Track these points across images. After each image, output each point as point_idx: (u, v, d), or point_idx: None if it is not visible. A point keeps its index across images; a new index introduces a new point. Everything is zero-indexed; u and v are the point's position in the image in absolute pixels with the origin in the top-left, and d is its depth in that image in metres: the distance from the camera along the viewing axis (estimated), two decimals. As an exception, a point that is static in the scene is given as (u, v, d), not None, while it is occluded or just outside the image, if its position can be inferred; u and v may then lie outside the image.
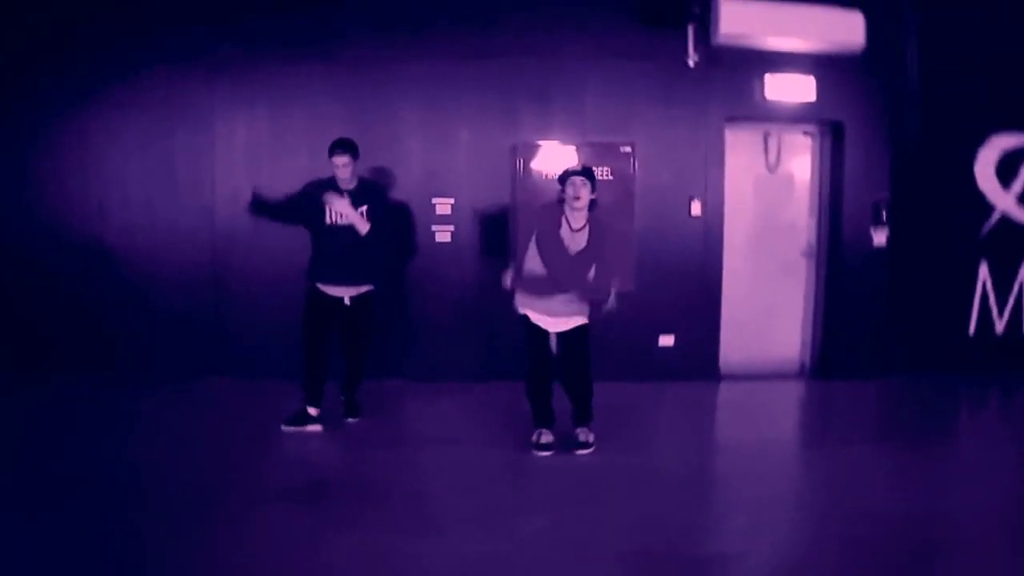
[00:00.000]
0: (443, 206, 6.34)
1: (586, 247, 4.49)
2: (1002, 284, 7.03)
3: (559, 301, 4.52)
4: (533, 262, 4.54)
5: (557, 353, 4.65)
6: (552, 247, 4.46)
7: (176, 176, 6.41)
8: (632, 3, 6.34)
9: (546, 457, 4.58)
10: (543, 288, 4.49)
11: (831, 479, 4.44)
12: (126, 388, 6.05)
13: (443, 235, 6.35)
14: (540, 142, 6.28)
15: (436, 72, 6.31)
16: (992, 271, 7.00)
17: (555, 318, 4.56)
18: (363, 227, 4.92)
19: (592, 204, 4.50)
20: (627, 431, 5.18)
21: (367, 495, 4.03)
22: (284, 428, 4.98)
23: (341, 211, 4.88)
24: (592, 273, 4.51)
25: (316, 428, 5.04)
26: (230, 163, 6.39)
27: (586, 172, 4.49)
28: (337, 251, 4.97)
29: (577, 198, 4.39)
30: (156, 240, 6.43)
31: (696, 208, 6.40)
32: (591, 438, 4.67)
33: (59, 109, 6.39)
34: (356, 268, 5.03)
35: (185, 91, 6.35)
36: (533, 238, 4.55)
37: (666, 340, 6.48)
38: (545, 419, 4.72)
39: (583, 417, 4.74)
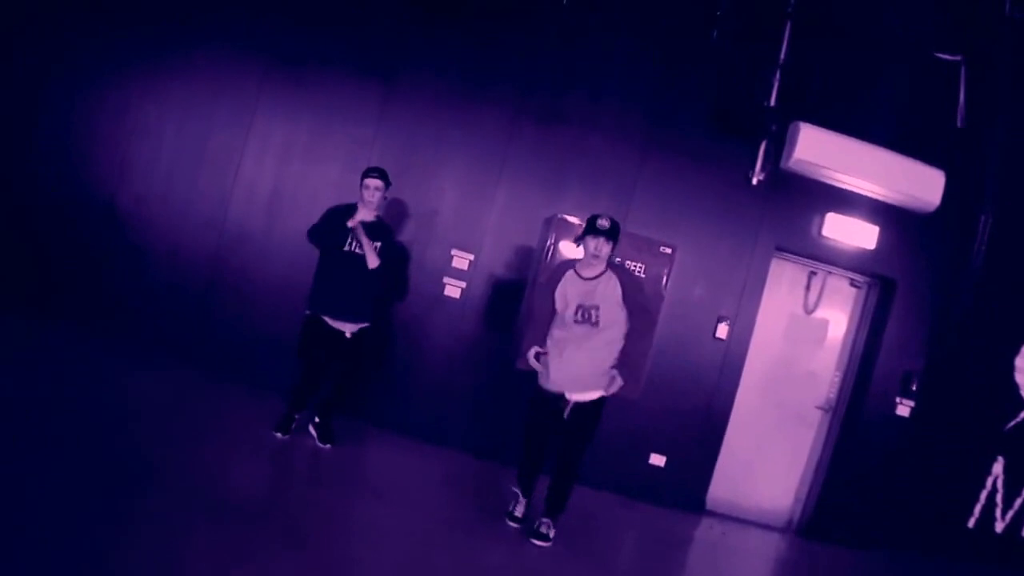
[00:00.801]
0: (461, 260, 6.05)
1: (603, 296, 4.44)
2: (1014, 483, 6.74)
3: (581, 369, 4.43)
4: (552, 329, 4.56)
5: (568, 421, 4.54)
6: (548, 302, 4.55)
7: (203, 157, 6.22)
8: (709, 106, 6.09)
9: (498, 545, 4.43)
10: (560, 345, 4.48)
11: None
12: (110, 351, 5.91)
13: (452, 290, 6.04)
14: (578, 220, 5.94)
15: (491, 126, 6.15)
16: (1007, 468, 6.70)
17: (571, 392, 4.48)
18: (373, 261, 4.99)
19: (613, 262, 4.54)
20: (594, 543, 4.99)
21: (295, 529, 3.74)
22: (279, 436, 5.10)
23: (361, 233, 4.95)
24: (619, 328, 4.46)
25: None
26: (259, 160, 6.08)
27: (612, 231, 4.43)
28: (346, 280, 5.00)
29: (597, 256, 4.42)
30: (167, 213, 6.21)
31: (722, 331, 6.09)
32: (552, 533, 4.56)
33: (109, 67, 6.23)
34: (359, 300, 5.06)
35: (234, 78, 6.19)
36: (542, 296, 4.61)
37: (657, 459, 6.15)
38: (528, 484, 4.76)
39: (556, 506, 4.63)
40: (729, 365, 6.18)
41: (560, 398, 4.47)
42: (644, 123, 6.18)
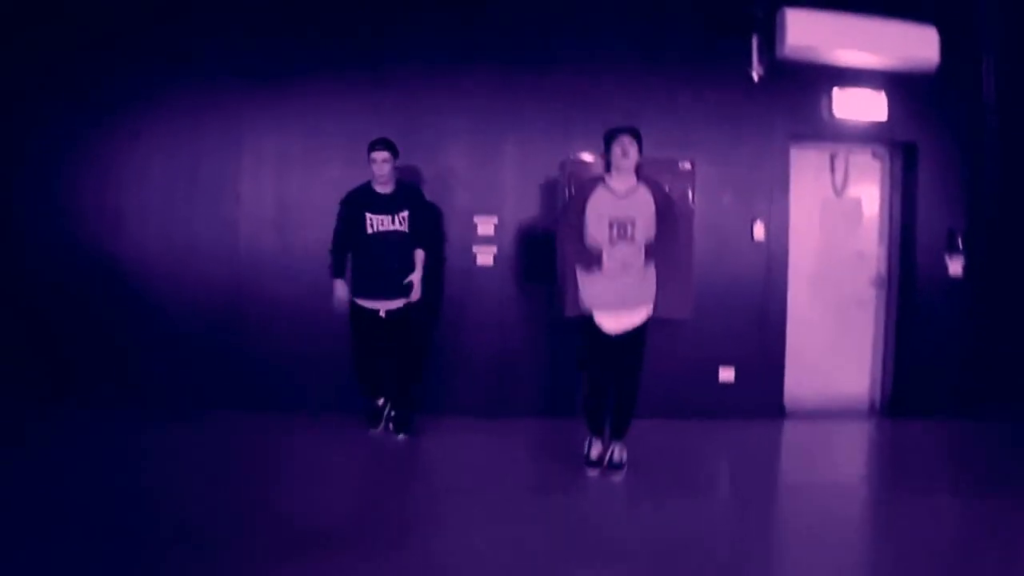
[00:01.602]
0: (485, 225, 6.14)
1: (638, 210, 4.41)
2: None
3: (627, 284, 4.39)
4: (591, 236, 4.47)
5: (616, 351, 4.55)
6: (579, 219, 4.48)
7: (198, 190, 6.24)
8: (695, 14, 6.21)
9: (593, 477, 4.60)
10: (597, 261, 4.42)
11: (896, 526, 4.19)
12: (140, 420, 5.80)
13: (485, 258, 6.09)
14: (591, 158, 6.00)
15: (484, 79, 6.21)
16: None
17: (619, 311, 4.43)
18: (416, 292, 5.24)
19: (638, 169, 4.46)
20: (685, 473, 4.98)
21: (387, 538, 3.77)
22: (372, 433, 5.32)
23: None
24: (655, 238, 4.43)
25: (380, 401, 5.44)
26: (256, 179, 6.13)
27: (633, 130, 4.43)
28: (377, 261, 5.09)
29: (626, 157, 4.36)
30: (174, 256, 6.21)
31: (759, 231, 6.21)
32: (624, 457, 4.67)
33: (85, 120, 6.22)
34: (394, 280, 5.10)
35: (216, 100, 6.22)
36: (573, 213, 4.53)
37: (726, 374, 6.22)
38: (599, 426, 4.74)
39: (621, 428, 4.69)
40: (774, 264, 6.28)
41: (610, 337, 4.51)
42: (639, 47, 6.27)
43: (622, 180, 4.41)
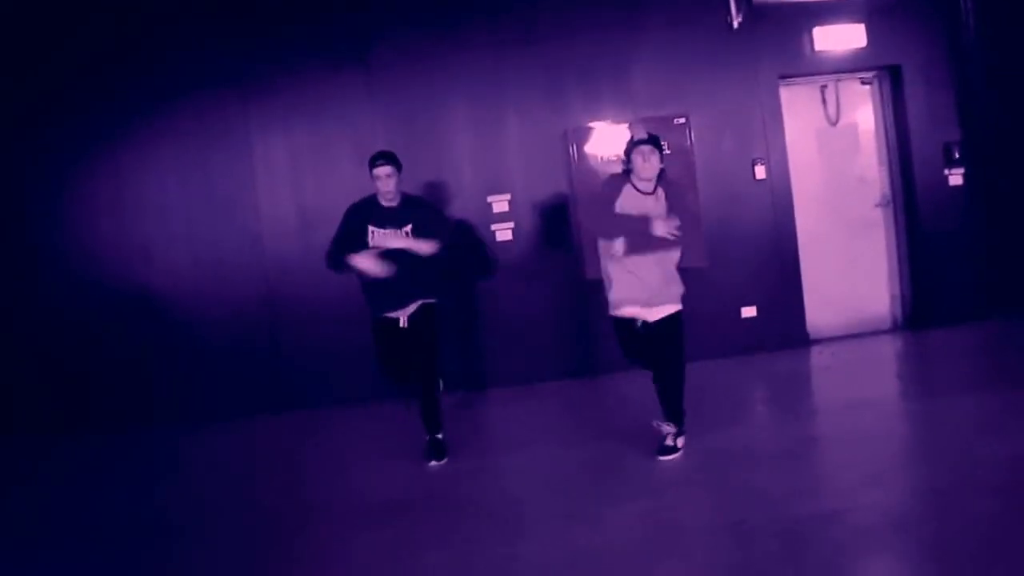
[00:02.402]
0: (500, 203, 6.60)
1: (656, 210, 4.48)
2: None
3: (656, 281, 4.48)
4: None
5: (650, 336, 4.61)
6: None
7: (218, 208, 6.70)
8: None
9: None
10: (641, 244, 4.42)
11: (936, 429, 4.63)
12: (182, 440, 6.25)
13: (504, 234, 6.54)
14: (591, 124, 6.45)
15: (477, 63, 6.67)
16: None
17: (650, 306, 4.53)
18: (428, 247, 4.87)
19: (660, 174, 4.55)
20: (720, 408, 5.36)
21: (453, 508, 4.20)
22: (432, 465, 4.94)
23: (398, 245, 4.85)
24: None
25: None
26: (273, 188, 6.59)
27: (653, 140, 4.52)
28: (397, 270, 4.86)
29: (647, 166, 4.45)
30: (204, 276, 6.68)
31: (760, 172, 6.66)
32: (680, 442, 4.60)
33: (91, 144, 6.67)
34: (406, 287, 4.94)
35: (220, 116, 6.68)
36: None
37: (748, 311, 6.70)
38: (679, 409, 4.65)
39: (675, 414, 4.65)
40: (779, 200, 6.72)
41: (633, 321, 4.58)
42: (621, 10, 6.68)
43: (646, 183, 4.53)
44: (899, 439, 4.65)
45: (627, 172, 4.58)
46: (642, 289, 4.47)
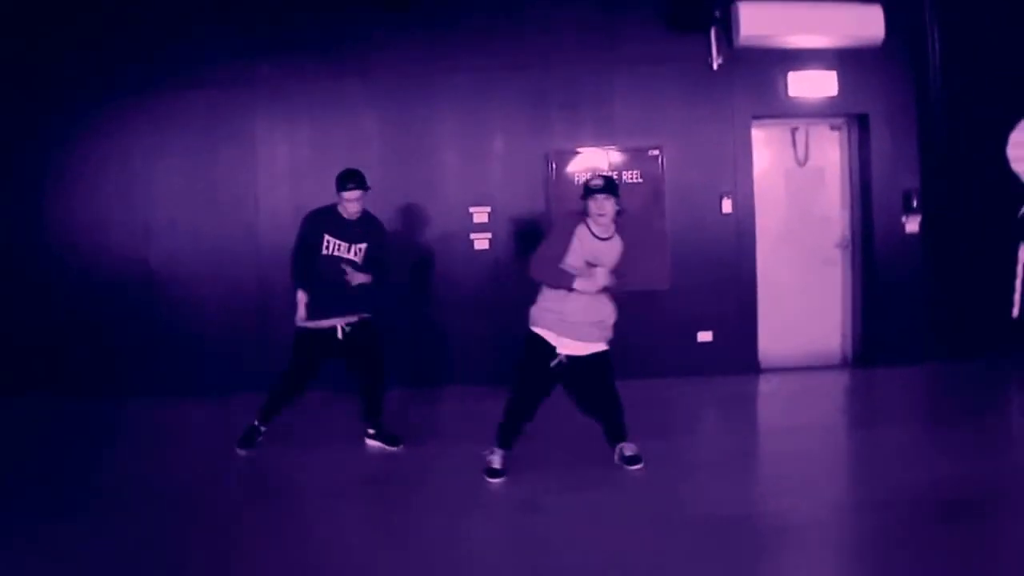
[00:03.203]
0: (480, 215, 7.20)
1: (609, 257, 4.73)
2: None
3: (588, 324, 4.71)
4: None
5: (575, 378, 4.84)
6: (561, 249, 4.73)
7: (218, 197, 7.35)
8: (656, 11, 7.29)
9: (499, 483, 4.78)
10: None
11: (859, 454, 5.42)
12: (174, 409, 6.92)
13: (481, 243, 7.12)
14: (572, 149, 7.03)
15: (469, 85, 7.33)
16: None
17: (577, 342, 4.74)
18: (361, 278, 5.29)
19: (619, 213, 4.75)
20: (666, 422, 5.98)
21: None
22: (240, 451, 5.40)
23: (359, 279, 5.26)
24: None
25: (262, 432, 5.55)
26: (272, 184, 7.18)
27: (608, 187, 4.69)
28: (333, 280, 5.26)
29: (602, 214, 4.66)
30: (202, 261, 7.34)
31: (727, 205, 7.22)
32: (637, 452, 4.89)
33: (101, 133, 7.35)
34: (349, 297, 5.31)
35: (226, 112, 7.35)
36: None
37: (704, 336, 7.25)
38: (514, 439, 4.90)
39: (619, 433, 4.95)
40: (743, 233, 7.32)
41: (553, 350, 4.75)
42: (607, 46, 7.32)
43: (603, 229, 4.72)
44: (823, 460, 5.26)
45: (584, 218, 4.72)
46: (570, 325, 4.66)
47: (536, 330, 4.79)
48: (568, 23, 7.26)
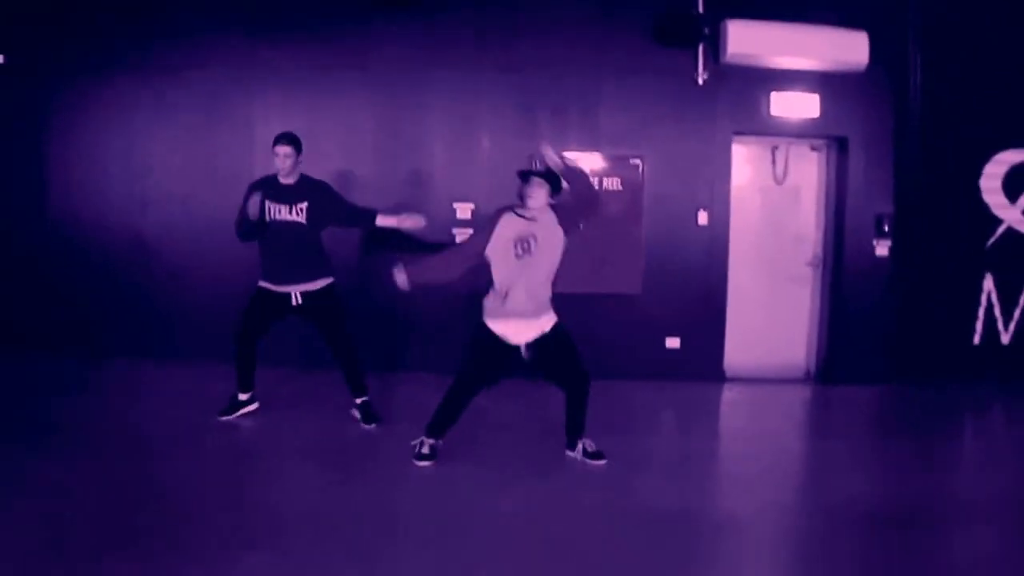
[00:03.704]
0: (464, 211, 7.49)
1: (540, 226, 4.91)
2: (1008, 296, 8.07)
3: (531, 301, 4.94)
4: (497, 271, 4.98)
5: (536, 361, 5.05)
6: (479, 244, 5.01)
7: (213, 173, 7.65)
8: (646, 24, 7.62)
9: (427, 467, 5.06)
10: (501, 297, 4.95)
11: (805, 462, 5.88)
12: (156, 371, 7.36)
13: (463, 238, 7.36)
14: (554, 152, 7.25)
15: (461, 83, 7.64)
16: (997, 283, 7.99)
17: (521, 325, 4.98)
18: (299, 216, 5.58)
19: (554, 208, 4.98)
20: (627, 422, 6.34)
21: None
22: (221, 418, 5.80)
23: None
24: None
25: (252, 407, 5.94)
26: (267, 165, 7.36)
27: (547, 176, 4.93)
28: (281, 248, 5.57)
29: (530, 197, 4.90)
30: (196, 234, 7.66)
31: (703, 218, 7.52)
32: (596, 447, 5.23)
33: (107, 108, 7.69)
34: (301, 264, 5.60)
35: (226, 93, 7.69)
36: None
37: (672, 342, 7.58)
38: (447, 428, 5.14)
39: (580, 425, 5.21)
40: (716, 245, 7.65)
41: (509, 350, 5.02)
42: (595, 55, 7.64)
43: (530, 211, 4.95)
44: (772, 466, 5.55)
45: (512, 206, 5.02)
46: (514, 313, 4.92)
47: (486, 320, 5.06)
48: (561, 31, 7.57)
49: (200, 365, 7.30)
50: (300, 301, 5.63)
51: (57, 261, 7.71)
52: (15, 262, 7.73)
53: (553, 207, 5.01)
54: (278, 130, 7.63)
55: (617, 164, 7.41)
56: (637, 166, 7.40)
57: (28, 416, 5.72)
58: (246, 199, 5.56)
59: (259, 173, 7.59)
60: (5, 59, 7.66)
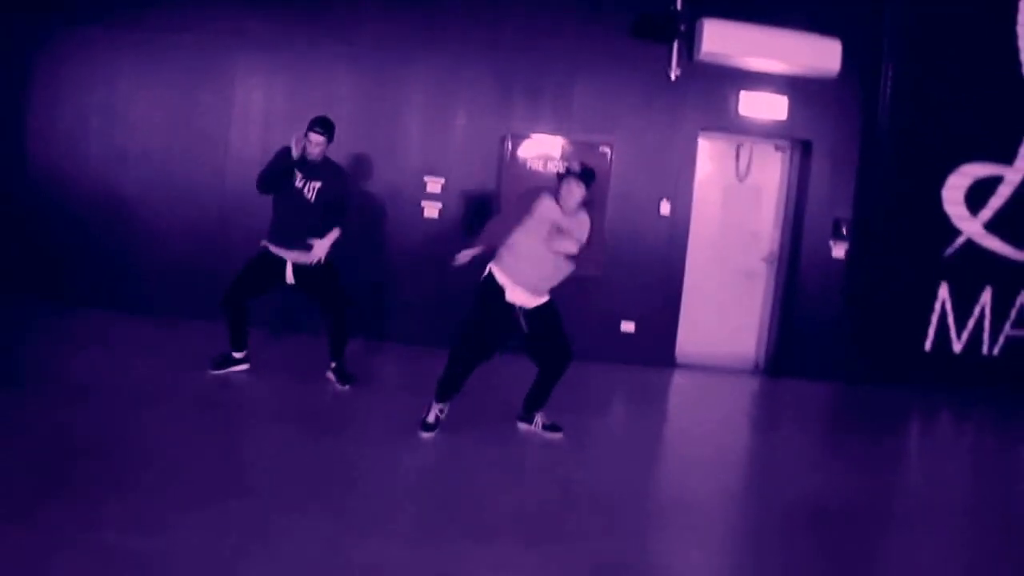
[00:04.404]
0: (434, 184, 7.92)
1: (574, 225, 5.34)
2: (962, 306, 8.42)
3: (539, 278, 5.38)
4: (524, 240, 5.36)
5: (529, 329, 5.49)
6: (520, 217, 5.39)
7: (193, 135, 8.04)
8: (624, 17, 7.93)
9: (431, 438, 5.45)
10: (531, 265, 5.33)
11: (753, 453, 6.31)
12: (125, 324, 7.66)
13: (431, 211, 7.86)
14: (528, 134, 7.66)
15: (440, 60, 8.02)
16: (952, 292, 8.31)
17: (525, 295, 5.41)
18: (322, 248, 5.99)
19: (586, 204, 5.39)
20: (579, 402, 6.65)
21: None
22: (212, 372, 6.23)
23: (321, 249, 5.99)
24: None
25: (244, 367, 6.34)
26: (245, 129, 7.88)
27: (584, 175, 5.29)
28: (294, 213, 5.97)
29: (570, 197, 5.28)
30: (171, 193, 8.04)
31: (665, 208, 7.90)
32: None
33: (91, 62, 8.00)
34: (303, 235, 5.98)
35: (210, 56, 8.01)
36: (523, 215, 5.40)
37: (627, 326, 8.01)
38: (451, 393, 5.49)
39: (543, 399, 5.71)
40: (676, 236, 8.05)
41: (514, 308, 5.42)
42: (574, 40, 8.03)
43: (570, 207, 5.33)
44: (715, 450, 5.99)
45: (552, 191, 5.37)
46: (528, 281, 5.33)
47: (493, 269, 5.43)
48: (543, 17, 7.92)
49: (172, 321, 7.74)
50: (292, 277, 6.06)
51: (35, 210, 8.01)
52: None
53: (589, 216, 5.43)
54: (259, 96, 8.15)
55: (586, 149, 7.75)
56: (605, 154, 7.77)
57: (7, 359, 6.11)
58: (277, 155, 5.93)
59: (237, 137, 8.08)
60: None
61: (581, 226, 5.39)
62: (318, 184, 5.99)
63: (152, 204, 8.02)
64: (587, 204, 5.41)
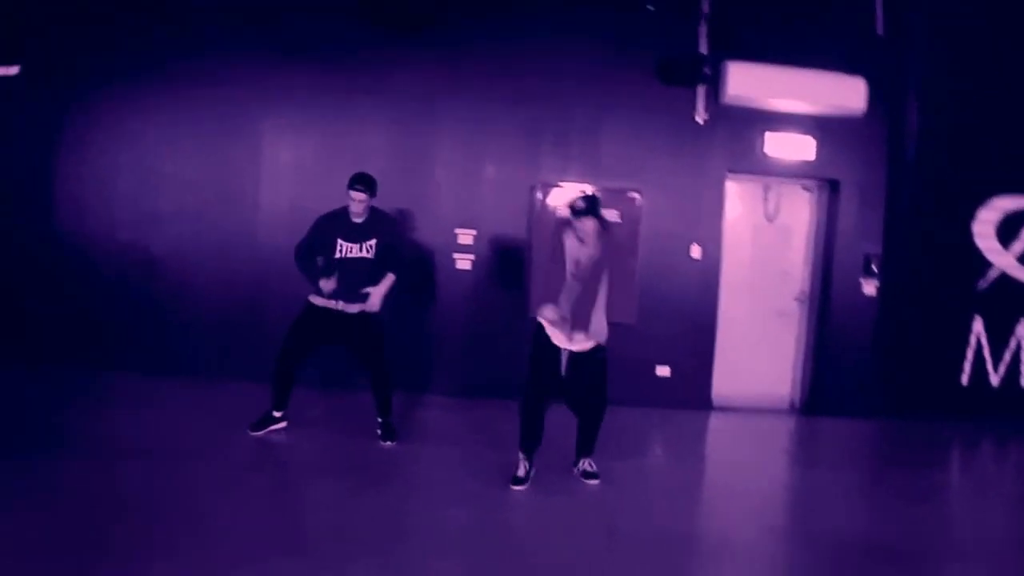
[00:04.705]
0: (465, 236, 8.02)
1: (596, 257, 5.41)
2: (998, 338, 8.52)
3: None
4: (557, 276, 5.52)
5: (568, 373, 5.57)
6: (560, 257, 5.50)
7: (223, 192, 8.17)
8: (649, 63, 8.11)
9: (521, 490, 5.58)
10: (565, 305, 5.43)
11: (798, 491, 6.34)
12: (161, 386, 7.70)
13: (464, 263, 7.94)
14: (557, 182, 7.78)
15: (469, 112, 8.17)
16: (987, 325, 8.41)
17: (560, 337, 5.48)
18: (379, 296, 6.07)
19: (604, 227, 5.46)
20: (619, 444, 6.74)
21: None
22: (251, 433, 6.26)
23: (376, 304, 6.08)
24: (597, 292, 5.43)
25: (282, 425, 6.39)
26: (275, 184, 8.15)
27: (588, 210, 5.33)
28: (346, 277, 6.01)
29: (584, 232, 5.38)
30: (203, 252, 8.15)
31: (696, 251, 7.98)
32: (595, 468, 5.77)
33: (120, 121, 8.15)
34: (358, 296, 6.06)
35: (237, 113, 8.17)
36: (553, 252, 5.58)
37: (663, 371, 8.07)
38: (534, 439, 5.63)
39: (588, 446, 5.79)
40: (708, 278, 8.17)
41: (559, 351, 5.52)
42: (600, 86, 8.17)
43: (586, 236, 5.44)
44: (760, 492, 6.03)
45: (570, 221, 5.46)
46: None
47: (540, 319, 5.55)
48: (568, 65, 8.08)
49: (208, 381, 7.83)
50: (343, 315, 6.03)
51: (67, 273, 8.12)
52: (26, 273, 8.11)
53: (604, 237, 5.44)
54: (289, 150, 8.30)
55: (615, 196, 7.86)
56: (635, 199, 7.87)
57: (44, 427, 6.12)
58: (314, 229, 6.07)
59: (267, 192, 8.24)
60: (20, 69, 8.08)
61: (597, 256, 5.37)
62: (373, 241, 6.05)
63: (184, 264, 8.14)
64: (606, 228, 5.47)
